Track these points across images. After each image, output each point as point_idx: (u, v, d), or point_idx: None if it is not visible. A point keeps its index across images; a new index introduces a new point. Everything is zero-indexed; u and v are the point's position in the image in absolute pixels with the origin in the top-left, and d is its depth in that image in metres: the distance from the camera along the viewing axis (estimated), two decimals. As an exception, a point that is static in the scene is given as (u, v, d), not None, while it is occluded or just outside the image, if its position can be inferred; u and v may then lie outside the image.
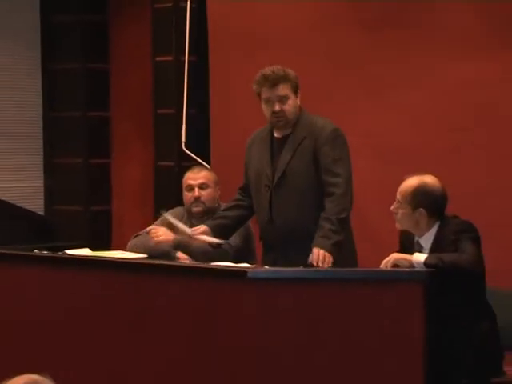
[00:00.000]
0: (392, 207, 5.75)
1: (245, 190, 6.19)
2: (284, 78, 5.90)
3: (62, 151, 8.97)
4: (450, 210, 5.78)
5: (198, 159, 7.91)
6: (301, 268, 5.85)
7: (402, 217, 5.75)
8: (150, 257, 6.26)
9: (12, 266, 6.46)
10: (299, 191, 5.92)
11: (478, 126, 6.90)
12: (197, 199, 6.36)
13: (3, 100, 8.76)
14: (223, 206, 6.42)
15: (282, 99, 5.89)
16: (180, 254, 6.17)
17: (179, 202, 6.75)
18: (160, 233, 6.17)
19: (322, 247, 5.70)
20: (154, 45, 8.37)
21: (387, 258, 5.60)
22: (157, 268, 5.95)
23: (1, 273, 6.49)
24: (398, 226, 5.82)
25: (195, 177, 6.42)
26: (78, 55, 8.85)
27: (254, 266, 6.07)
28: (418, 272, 5.47)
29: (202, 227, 6.03)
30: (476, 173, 6.97)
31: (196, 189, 6.36)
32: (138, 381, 5.71)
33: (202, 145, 8.12)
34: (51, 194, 8.99)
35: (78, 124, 8.91)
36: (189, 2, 8.08)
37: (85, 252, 6.50)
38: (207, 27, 8.11)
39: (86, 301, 5.99)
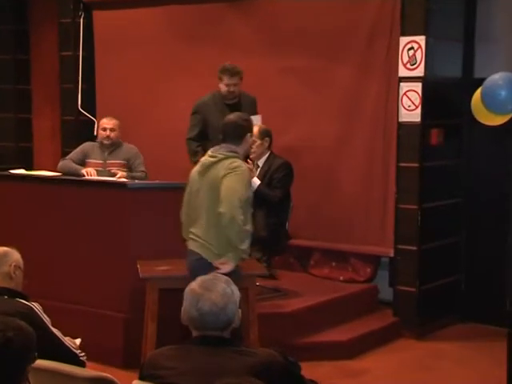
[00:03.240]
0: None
1: (198, 136, 6.01)
2: (238, 73, 5.92)
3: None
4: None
5: (89, 115, 7.71)
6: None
7: (257, 147, 5.80)
8: (66, 174, 6.08)
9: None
10: None
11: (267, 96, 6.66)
12: (108, 136, 6.18)
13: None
14: (121, 140, 6.27)
15: (237, 84, 5.93)
16: (85, 171, 5.98)
17: (78, 141, 6.63)
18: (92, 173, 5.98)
19: None
20: (59, 44, 7.98)
21: (249, 166, 5.57)
22: (68, 181, 5.83)
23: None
24: (253, 156, 5.82)
25: (108, 123, 6.24)
26: (10, 50, 8.44)
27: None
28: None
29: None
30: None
31: (108, 130, 6.20)
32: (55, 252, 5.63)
33: (90, 106, 7.85)
34: (-5, 137, 8.65)
35: (11, 93, 8.50)
36: (82, 19, 7.76)
37: (21, 171, 6.35)
38: (94, 33, 7.86)
39: (22, 202, 5.85)
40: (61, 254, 5.58)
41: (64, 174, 6.09)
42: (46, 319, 3.39)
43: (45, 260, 5.54)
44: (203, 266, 4.30)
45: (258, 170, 5.88)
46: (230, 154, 4.48)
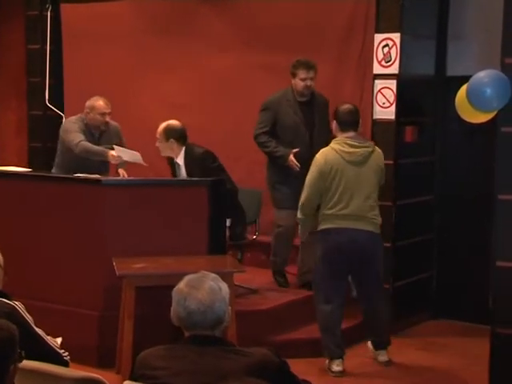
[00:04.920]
0: (156, 144, 5.71)
1: (268, 132, 5.86)
2: (314, 66, 5.84)
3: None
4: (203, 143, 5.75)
5: (57, 110, 7.61)
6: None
7: (162, 148, 5.71)
8: (88, 155, 5.92)
9: None
10: (321, 135, 5.82)
11: (221, 91, 6.85)
12: (107, 122, 6.05)
13: None
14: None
15: (313, 78, 5.85)
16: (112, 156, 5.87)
17: (46, 136, 6.52)
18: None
19: None
20: (27, 37, 7.90)
21: None
22: (42, 178, 5.76)
23: None
24: (163, 154, 5.75)
25: (106, 107, 6.05)
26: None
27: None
28: (206, 180, 5.47)
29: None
30: (225, 118, 6.92)
31: (106, 116, 6.03)
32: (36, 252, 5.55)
33: (58, 101, 7.76)
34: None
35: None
36: (49, 12, 7.66)
37: (-11, 167, 6.25)
38: (61, 27, 7.76)
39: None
40: (34, 251, 5.50)
41: (86, 155, 5.90)
42: (29, 318, 3.31)
43: (17, 257, 5.41)
44: (376, 239, 5.21)
45: (181, 168, 5.66)
46: (372, 143, 5.20)
